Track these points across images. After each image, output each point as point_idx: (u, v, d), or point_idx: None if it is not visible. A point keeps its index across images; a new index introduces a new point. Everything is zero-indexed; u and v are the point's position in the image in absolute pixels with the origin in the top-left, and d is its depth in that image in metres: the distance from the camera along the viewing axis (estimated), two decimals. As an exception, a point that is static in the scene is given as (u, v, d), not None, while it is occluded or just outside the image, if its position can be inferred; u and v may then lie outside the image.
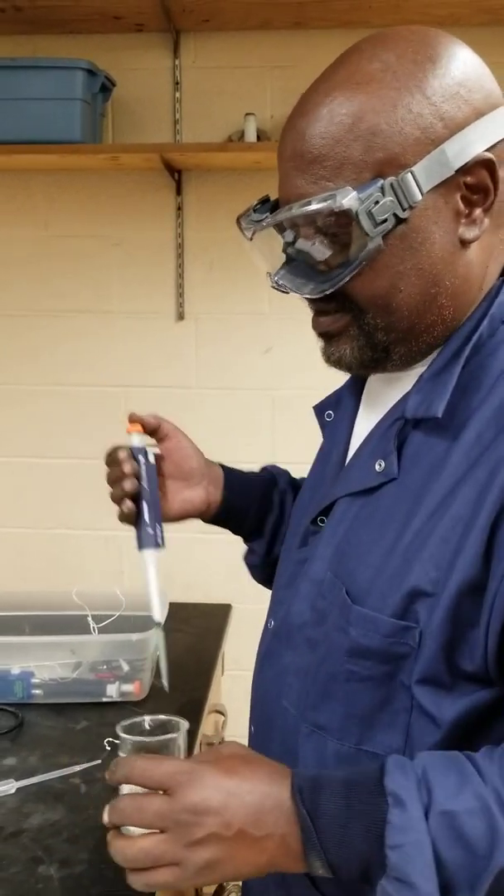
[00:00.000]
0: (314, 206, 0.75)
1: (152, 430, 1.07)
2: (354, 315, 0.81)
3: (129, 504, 0.99)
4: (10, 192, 2.20)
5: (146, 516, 0.99)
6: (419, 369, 0.83)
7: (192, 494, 1.08)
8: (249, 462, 2.31)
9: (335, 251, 0.78)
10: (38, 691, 1.34)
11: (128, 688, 1.35)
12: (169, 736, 0.79)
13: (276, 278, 0.83)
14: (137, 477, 1.00)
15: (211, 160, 2.05)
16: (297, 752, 0.85)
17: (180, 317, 2.20)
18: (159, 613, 0.96)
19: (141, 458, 1.01)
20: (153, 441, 1.07)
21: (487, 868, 0.64)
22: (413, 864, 0.64)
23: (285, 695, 0.89)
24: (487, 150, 0.76)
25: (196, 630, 1.60)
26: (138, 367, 2.23)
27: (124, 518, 1.01)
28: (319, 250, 0.79)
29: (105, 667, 1.37)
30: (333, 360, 0.85)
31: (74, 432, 2.27)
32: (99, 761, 1.19)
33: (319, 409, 1.04)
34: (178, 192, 2.16)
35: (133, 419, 1.05)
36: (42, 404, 2.27)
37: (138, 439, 1.03)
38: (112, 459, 1.03)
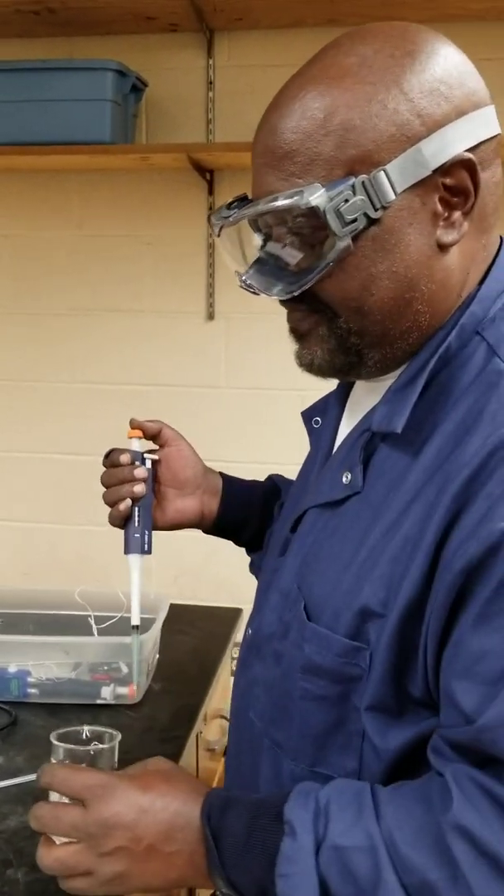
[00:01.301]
0: (280, 203, 0.73)
1: (153, 436, 1.07)
2: (327, 317, 0.78)
3: (125, 505, 0.99)
4: (45, 193, 2.23)
5: (136, 521, 0.99)
6: (392, 379, 0.81)
7: (185, 504, 1.07)
8: (278, 462, 2.30)
9: (305, 251, 0.76)
10: (33, 690, 1.35)
11: (122, 690, 1.36)
12: (99, 746, 0.81)
13: (243, 278, 0.80)
14: (144, 481, 1.00)
15: (242, 159, 2.03)
16: (260, 767, 0.85)
17: (210, 316, 2.20)
18: (137, 617, 0.98)
19: (138, 462, 1.01)
20: (154, 446, 1.07)
21: None
22: (297, 894, 0.66)
23: (252, 707, 0.88)
24: (469, 150, 0.73)
25: (201, 633, 1.60)
26: (168, 366, 2.24)
27: (116, 520, 1.01)
28: (288, 250, 0.76)
29: (106, 668, 1.38)
30: (306, 363, 0.82)
31: (104, 430, 2.28)
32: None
33: (307, 416, 1.03)
34: (211, 191, 2.16)
35: (134, 424, 1.05)
36: (73, 402, 2.29)
37: (138, 444, 1.04)
38: (112, 462, 1.03)
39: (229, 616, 1.72)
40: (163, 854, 0.72)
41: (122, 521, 1.01)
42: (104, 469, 1.05)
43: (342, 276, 0.75)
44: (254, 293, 0.81)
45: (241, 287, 0.81)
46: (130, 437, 1.04)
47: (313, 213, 0.72)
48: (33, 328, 2.28)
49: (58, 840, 0.73)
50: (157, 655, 1.45)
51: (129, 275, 2.22)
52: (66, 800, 0.75)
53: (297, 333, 0.82)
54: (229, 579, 2.13)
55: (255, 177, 0.78)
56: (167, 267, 2.21)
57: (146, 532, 1.00)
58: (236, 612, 1.74)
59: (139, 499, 1.00)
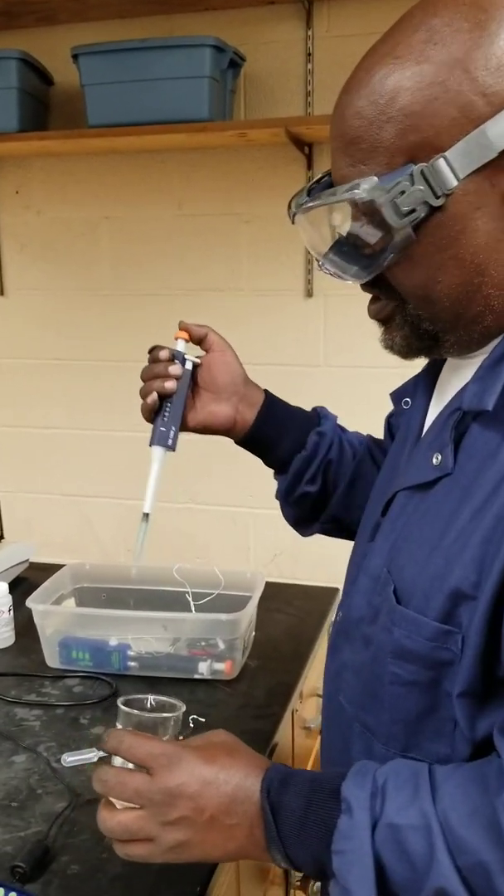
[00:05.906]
0: (338, 197, 0.73)
1: (199, 340, 1.09)
2: (399, 304, 0.79)
3: (153, 399, 1.02)
4: (146, 173, 2.24)
5: (165, 415, 1.03)
6: (483, 357, 0.79)
7: (218, 408, 1.09)
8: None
9: (374, 239, 0.75)
10: (133, 664, 1.38)
11: (219, 666, 1.37)
12: (164, 715, 0.83)
13: (321, 262, 0.81)
14: (177, 379, 1.03)
15: (341, 132, 1.99)
16: (351, 750, 0.85)
17: (309, 294, 2.18)
18: (149, 506, 1.03)
19: (177, 362, 1.04)
20: (200, 351, 1.09)
21: (424, 888, 0.65)
22: (351, 870, 0.67)
23: (342, 691, 0.89)
24: None
25: (298, 612, 1.59)
26: (267, 345, 2.23)
27: (145, 412, 1.05)
28: (360, 236, 0.76)
29: (203, 644, 1.39)
30: (387, 346, 0.84)
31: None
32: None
33: (397, 397, 1.02)
34: (310, 165, 2.13)
35: (182, 326, 1.08)
36: (174, 381, 2.31)
37: (182, 345, 1.07)
38: (153, 357, 1.06)
39: (326, 595, 1.71)
40: (224, 826, 0.74)
41: (150, 415, 1.04)
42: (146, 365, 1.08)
43: (408, 265, 0.75)
44: (331, 275, 0.82)
45: (321, 270, 0.82)
46: (176, 338, 1.07)
47: (371, 205, 0.71)
48: (135, 309, 2.31)
49: (118, 804, 0.76)
50: (254, 633, 1.45)
51: (228, 254, 2.22)
52: (129, 766, 0.77)
53: (378, 321, 0.84)
54: (326, 558, 2.12)
55: (332, 158, 0.78)
56: (265, 245, 2.19)
57: (173, 428, 1.03)
58: (333, 592, 1.73)
59: (169, 395, 1.02)
